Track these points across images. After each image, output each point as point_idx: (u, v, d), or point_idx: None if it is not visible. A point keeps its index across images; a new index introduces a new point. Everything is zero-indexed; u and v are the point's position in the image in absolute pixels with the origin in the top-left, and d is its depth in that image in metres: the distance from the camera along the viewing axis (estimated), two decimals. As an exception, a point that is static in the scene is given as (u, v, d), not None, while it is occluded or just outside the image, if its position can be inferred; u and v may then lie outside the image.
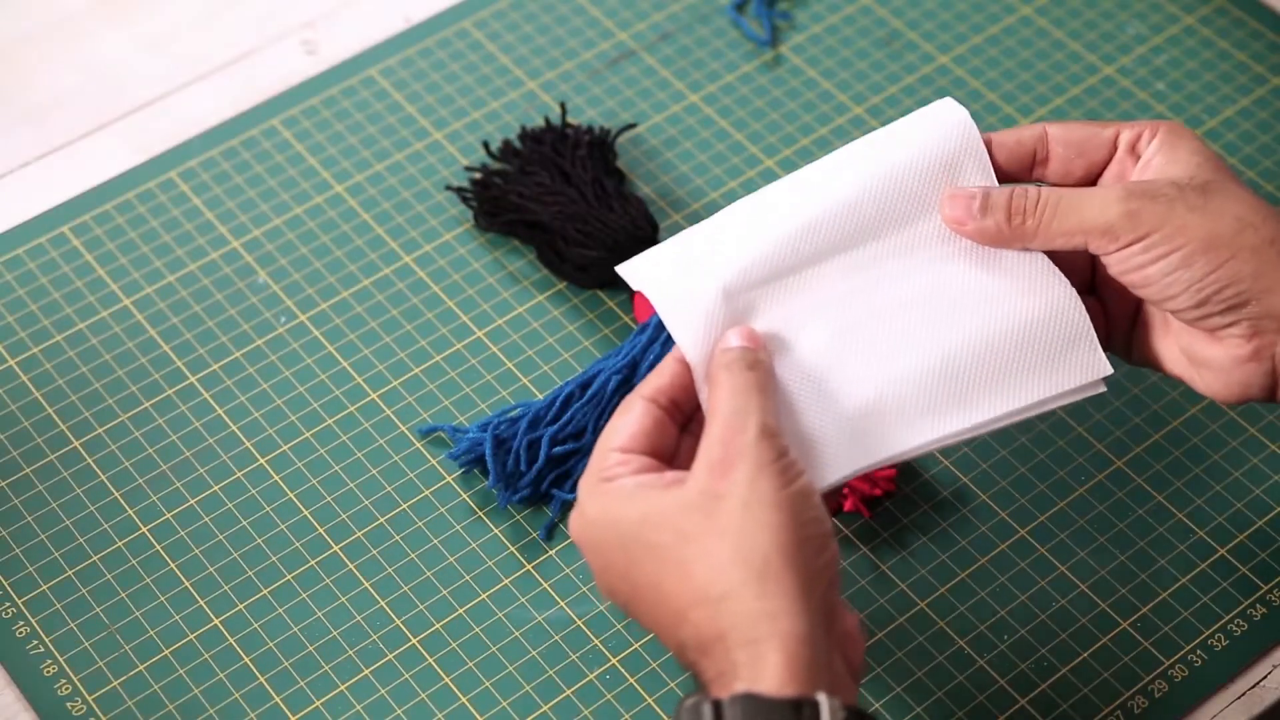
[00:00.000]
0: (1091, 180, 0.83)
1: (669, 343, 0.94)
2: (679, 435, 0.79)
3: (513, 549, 0.91)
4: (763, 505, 0.73)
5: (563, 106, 1.05)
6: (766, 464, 0.73)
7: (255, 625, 0.88)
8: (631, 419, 0.78)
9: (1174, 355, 0.83)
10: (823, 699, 0.71)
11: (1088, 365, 0.81)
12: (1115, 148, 0.83)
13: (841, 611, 0.75)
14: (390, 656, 0.87)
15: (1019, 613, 0.89)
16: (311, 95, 1.08)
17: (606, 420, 0.93)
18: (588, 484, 0.77)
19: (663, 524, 0.74)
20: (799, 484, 0.74)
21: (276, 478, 0.93)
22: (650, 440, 0.78)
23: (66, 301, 0.99)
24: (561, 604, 0.89)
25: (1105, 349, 0.83)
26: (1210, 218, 0.78)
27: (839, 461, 0.78)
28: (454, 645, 0.88)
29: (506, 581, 0.90)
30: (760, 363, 0.78)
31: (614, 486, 0.76)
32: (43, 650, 0.88)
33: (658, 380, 0.79)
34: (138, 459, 0.93)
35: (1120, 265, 0.79)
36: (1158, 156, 0.81)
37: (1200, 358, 0.81)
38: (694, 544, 0.73)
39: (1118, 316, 0.85)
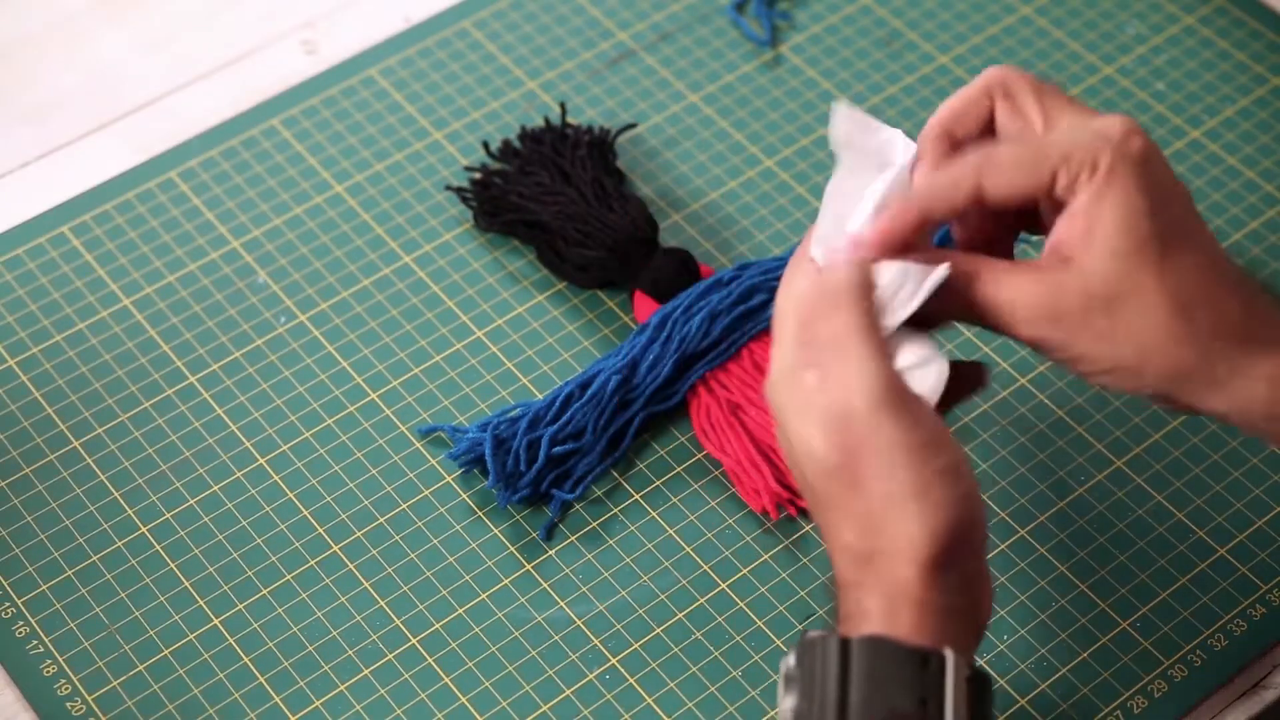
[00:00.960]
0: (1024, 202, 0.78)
1: (668, 343, 0.94)
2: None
3: (512, 549, 0.91)
4: (932, 508, 0.72)
5: (562, 106, 1.05)
6: (896, 421, 0.73)
7: (255, 625, 0.88)
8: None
9: None
10: (949, 654, 0.71)
11: None
12: (1055, 181, 0.76)
13: (979, 550, 0.75)
14: (390, 656, 0.87)
15: (1019, 613, 0.89)
16: (311, 95, 1.08)
17: (606, 420, 0.93)
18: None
19: (816, 478, 0.74)
20: (945, 458, 0.73)
21: (276, 478, 0.93)
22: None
23: (66, 301, 0.99)
24: (561, 604, 0.89)
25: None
26: (1115, 344, 0.75)
27: None
28: (454, 645, 0.88)
29: (506, 581, 0.90)
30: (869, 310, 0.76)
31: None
32: (42, 650, 0.88)
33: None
34: (137, 459, 0.93)
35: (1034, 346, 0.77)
36: (1085, 218, 0.75)
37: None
38: (846, 496, 0.73)
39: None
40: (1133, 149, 0.75)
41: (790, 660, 0.73)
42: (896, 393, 0.73)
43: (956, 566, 0.73)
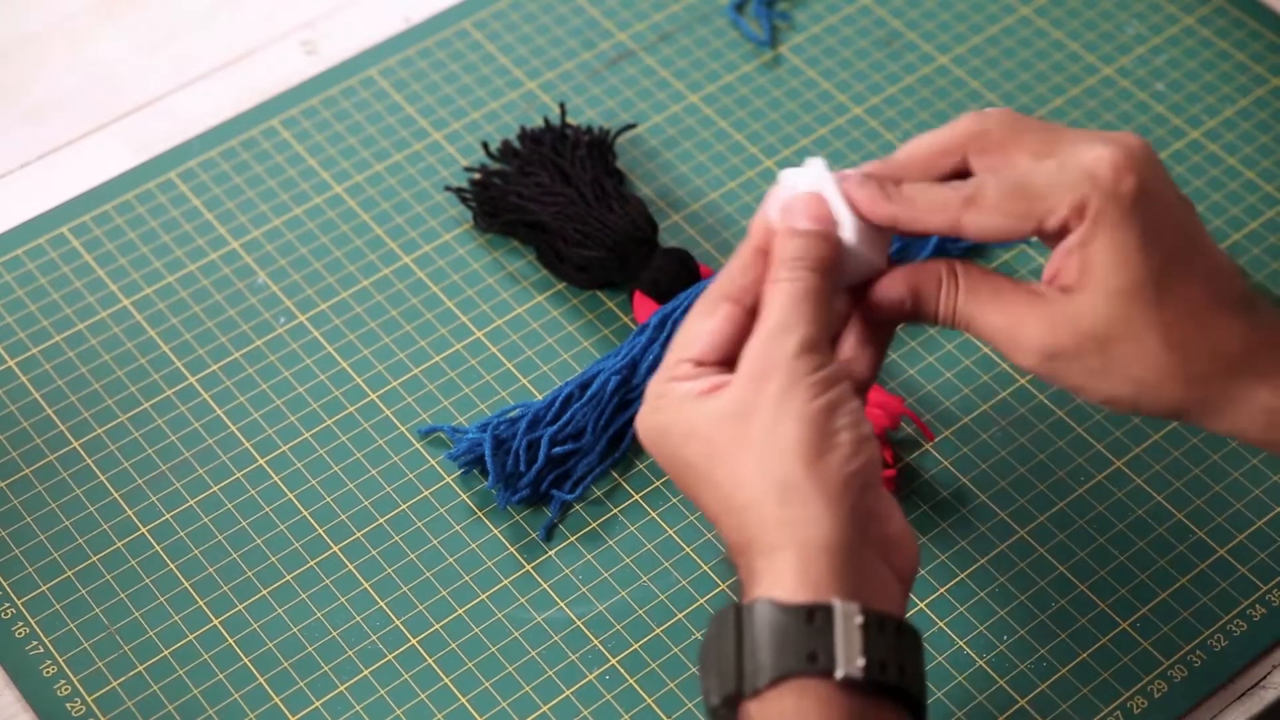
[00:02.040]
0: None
1: (668, 342, 0.94)
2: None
3: (512, 549, 0.91)
4: (790, 418, 0.73)
5: (562, 107, 1.05)
6: (800, 377, 0.73)
7: (255, 625, 0.88)
8: (712, 326, 0.77)
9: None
10: (837, 604, 0.71)
11: None
12: (1042, 228, 0.76)
13: (885, 516, 0.75)
14: (390, 657, 0.88)
15: (1018, 613, 0.89)
16: (311, 96, 1.08)
17: (606, 420, 0.93)
18: (652, 389, 0.77)
19: (700, 436, 0.75)
20: (831, 394, 0.74)
21: (276, 478, 0.93)
22: (730, 347, 0.77)
23: (66, 302, 0.99)
24: (561, 604, 0.89)
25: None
26: (1110, 381, 0.76)
27: None
28: (453, 646, 0.88)
29: (506, 582, 0.90)
30: (823, 260, 0.76)
31: (668, 401, 0.76)
32: (42, 650, 0.88)
33: (742, 278, 0.77)
34: (137, 459, 0.94)
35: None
36: (1079, 258, 0.75)
37: None
38: (725, 455, 0.74)
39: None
40: (1123, 191, 0.74)
41: (704, 635, 0.74)
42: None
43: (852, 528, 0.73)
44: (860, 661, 0.70)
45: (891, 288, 0.78)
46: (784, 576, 0.72)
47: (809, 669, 0.70)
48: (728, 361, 0.77)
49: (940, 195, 0.76)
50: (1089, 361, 0.75)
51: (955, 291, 0.77)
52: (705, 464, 0.75)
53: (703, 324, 0.77)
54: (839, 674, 0.70)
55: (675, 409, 0.76)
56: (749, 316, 0.77)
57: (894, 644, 0.72)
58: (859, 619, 0.71)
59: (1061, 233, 0.75)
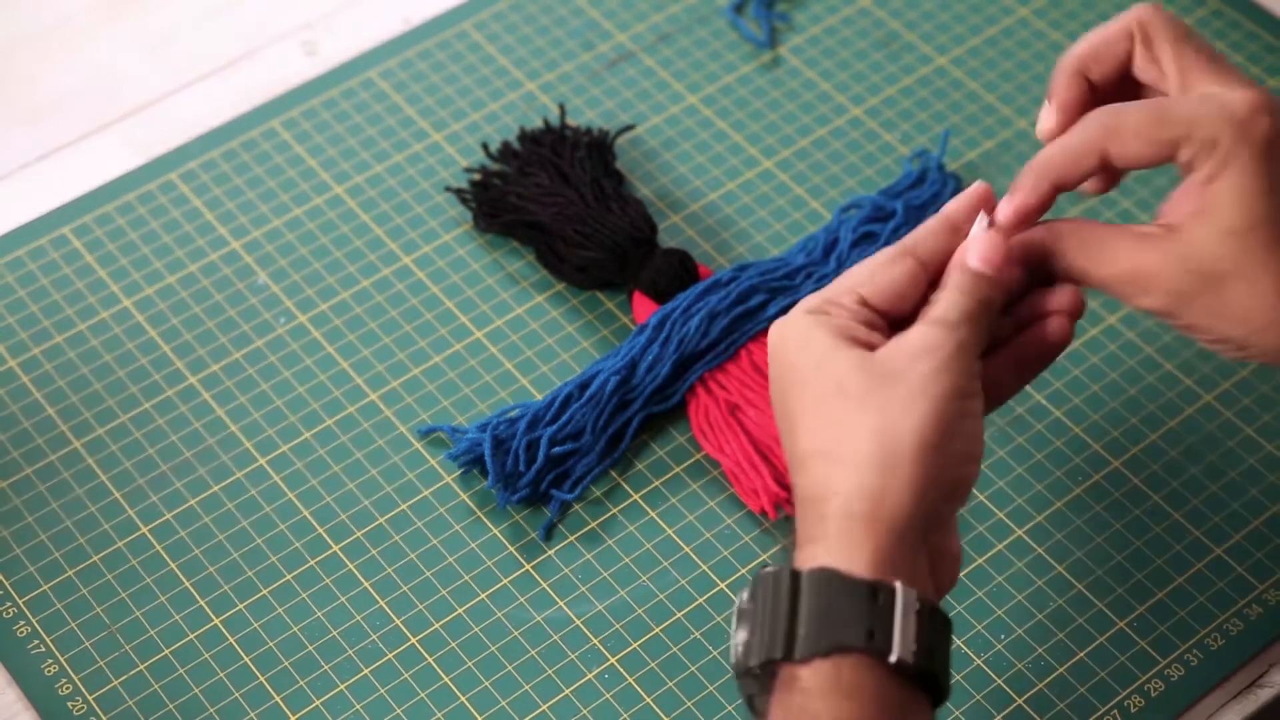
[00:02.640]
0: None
1: (667, 343, 0.95)
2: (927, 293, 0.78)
3: (512, 549, 0.91)
4: (927, 399, 0.73)
5: (561, 108, 1.05)
6: (952, 369, 0.73)
7: (255, 625, 0.89)
8: (892, 274, 0.77)
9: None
10: (899, 587, 0.71)
11: None
12: (1175, 156, 0.77)
13: (948, 532, 0.75)
14: (390, 656, 0.88)
15: (1016, 612, 0.89)
16: (311, 97, 1.08)
17: (605, 420, 0.94)
18: (808, 302, 0.77)
19: (832, 375, 0.74)
20: (969, 401, 0.74)
21: (276, 478, 0.93)
22: (898, 301, 0.77)
23: (67, 302, 0.99)
24: (560, 604, 0.89)
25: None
26: (1225, 321, 0.76)
27: None
28: (453, 645, 0.88)
29: (506, 581, 0.90)
30: (991, 302, 0.77)
31: (823, 320, 0.76)
32: (44, 650, 0.88)
33: (932, 240, 0.78)
34: (138, 459, 0.94)
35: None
36: (1201, 196, 0.76)
37: None
38: (847, 402, 0.73)
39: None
40: (1257, 131, 0.75)
41: (744, 595, 0.73)
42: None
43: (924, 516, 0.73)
44: (914, 647, 0.71)
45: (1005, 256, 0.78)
46: (855, 548, 0.71)
47: (866, 645, 0.70)
48: (889, 313, 0.77)
49: (1077, 139, 0.77)
50: (1203, 299, 0.76)
51: (1065, 251, 0.78)
52: (823, 402, 0.74)
53: (885, 270, 0.77)
54: (895, 656, 0.71)
55: (824, 335, 0.75)
56: (926, 281, 0.78)
57: (939, 634, 0.72)
58: (916, 605, 0.71)
59: (1190, 167, 0.76)
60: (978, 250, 0.77)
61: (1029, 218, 0.78)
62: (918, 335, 0.75)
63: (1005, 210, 0.78)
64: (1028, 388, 0.96)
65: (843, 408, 0.73)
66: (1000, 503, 0.92)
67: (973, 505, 0.92)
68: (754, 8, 1.12)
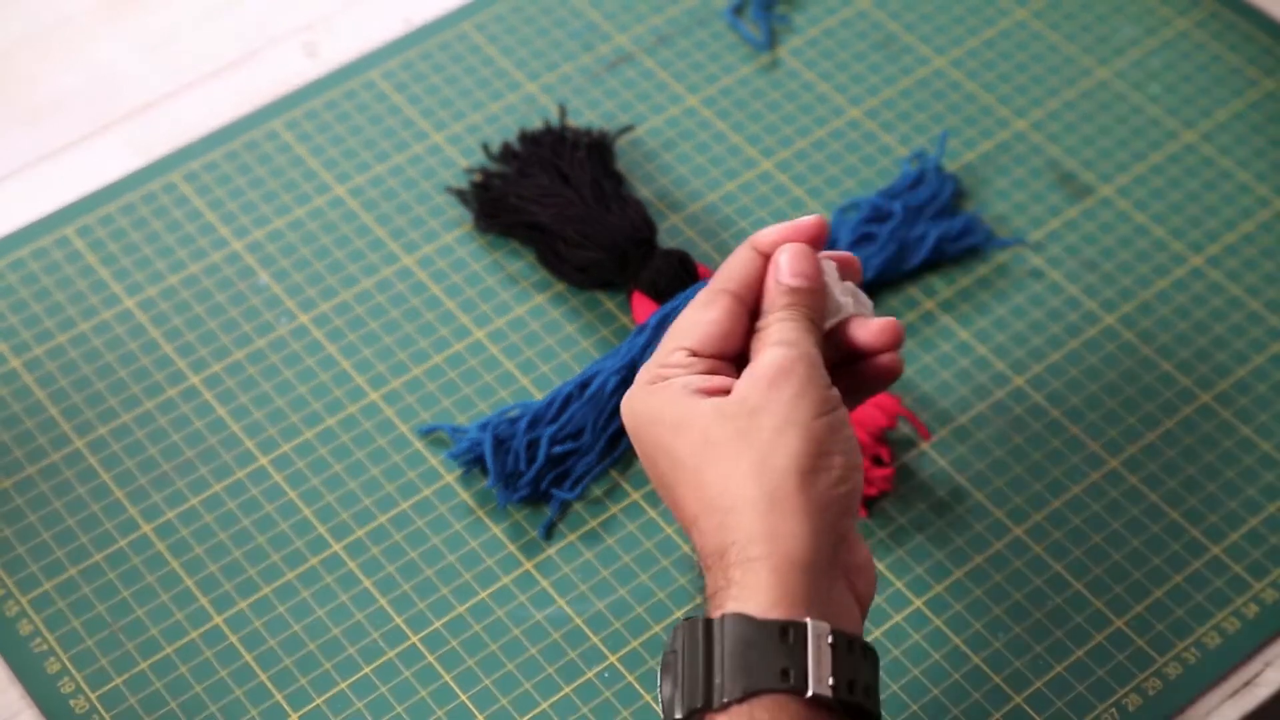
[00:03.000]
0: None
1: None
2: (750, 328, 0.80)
3: (512, 548, 0.91)
4: (794, 427, 0.74)
5: (562, 109, 1.05)
6: (811, 389, 0.74)
7: (256, 624, 0.89)
8: (711, 317, 0.78)
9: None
10: (810, 623, 0.71)
11: None
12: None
13: (854, 543, 0.76)
14: (390, 655, 0.88)
15: (1015, 611, 0.89)
16: (313, 98, 1.08)
17: (605, 420, 0.94)
18: (645, 374, 0.78)
19: (693, 430, 0.75)
20: (835, 414, 0.75)
21: (278, 477, 0.93)
22: (726, 341, 0.78)
23: (70, 303, 1.00)
24: (560, 602, 0.89)
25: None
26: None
27: None
28: (454, 643, 0.88)
29: (506, 580, 0.90)
30: (818, 313, 0.78)
31: (664, 386, 0.77)
32: (46, 648, 0.88)
33: (742, 272, 0.79)
34: (140, 458, 0.94)
35: None
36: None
37: None
38: (717, 452, 0.74)
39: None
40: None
41: (667, 645, 0.74)
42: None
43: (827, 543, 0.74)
44: (830, 680, 0.71)
45: None
46: (759, 590, 0.72)
47: (781, 685, 0.71)
48: (722, 357, 0.78)
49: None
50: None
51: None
52: (694, 460, 0.75)
53: (702, 314, 0.78)
54: (810, 692, 0.71)
55: (671, 399, 0.76)
56: (747, 313, 0.78)
57: (859, 664, 0.72)
58: (829, 638, 0.72)
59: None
60: (788, 266, 0.78)
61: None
62: (766, 363, 0.75)
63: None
64: (1027, 388, 0.96)
65: (715, 458, 0.74)
66: (998, 502, 0.93)
67: (970, 504, 0.92)
68: (753, 10, 1.12)
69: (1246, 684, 0.88)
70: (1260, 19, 1.12)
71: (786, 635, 0.71)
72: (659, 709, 0.86)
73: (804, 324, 0.77)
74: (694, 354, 0.77)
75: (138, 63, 1.11)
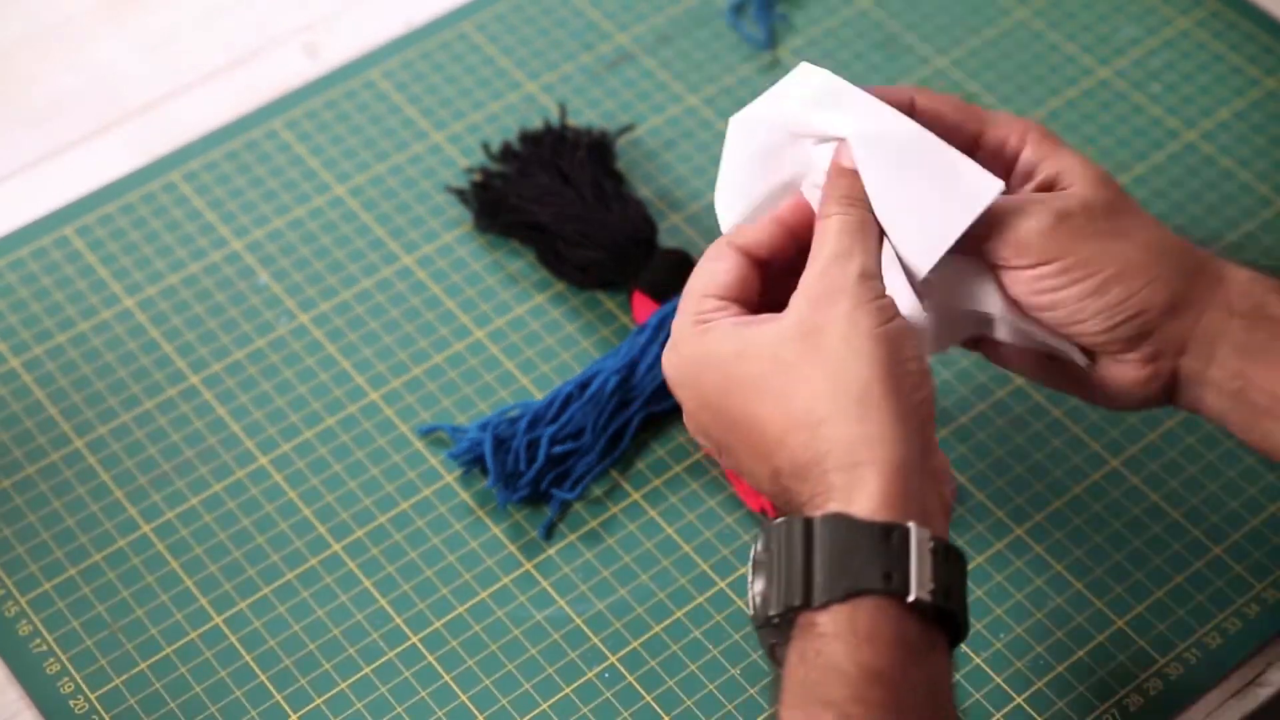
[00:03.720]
0: None
1: (667, 341, 0.95)
2: (761, 292, 0.80)
3: (512, 548, 0.91)
4: (862, 337, 0.74)
5: (562, 109, 1.05)
6: (865, 301, 0.75)
7: (256, 624, 0.89)
8: (726, 267, 0.79)
9: (1063, 371, 0.82)
10: (913, 527, 0.72)
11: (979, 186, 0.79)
12: (977, 147, 0.81)
13: (935, 448, 0.76)
14: (390, 655, 0.88)
15: (1015, 611, 0.89)
16: (313, 97, 1.08)
17: (605, 420, 0.94)
18: (683, 325, 0.78)
19: (761, 354, 0.75)
20: (897, 322, 0.75)
21: (278, 477, 0.93)
22: (742, 290, 0.78)
23: (70, 302, 1.00)
24: (560, 603, 0.89)
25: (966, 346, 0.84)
26: (1125, 244, 0.77)
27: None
28: (454, 644, 0.88)
29: (506, 580, 0.90)
30: (864, 201, 0.78)
31: (711, 327, 0.77)
32: (45, 648, 0.88)
33: (754, 234, 0.80)
34: (140, 458, 0.94)
35: (1028, 285, 0.78)
36: (1046, 170, 0.80)
37: (1099, 374, 0.81)
38: (792, 370, 0.74)
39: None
40: (1045, 132, 0.81)
41: (758, 546, 0.74)
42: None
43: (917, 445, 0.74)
44: (931, 585, 0.71)
45: None
46: (862, 493, 0.72)
47: (883, 587, 0.71)
48: (744, 302, 0.78)
49: (894, 89, 0.81)
50: (1099, 224, 0.77)
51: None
52: (769, 381, 0.74)
53: (717, 265, 0.79)
54: (913, 596, 0.71)
55: (725, 334, 0.76)
56: (756, 266, 0.79)
57: (954, 570, 0.73)
58: (931, 544, 0.72)
59: (997, 153, 0.80)
60: (843, 156, 0.79)
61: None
62: (818, 277, 0.76)
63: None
64: (1026, 388, 0.96)
65: (790, 377, 0.74)
66: (999, 502, 0.93)
67: (971, 505, 0.92)
68: (754, 9, 1.12)
69: (1248, 684, 0.88)
70: (1261, 18, 1.12)
71: (890, 538, 0.71)
72: (659, 710, 0.86)
73: (861, 218, 0.77)
74: (723, 299, 0.78)
75: (138, 63, 1.11)
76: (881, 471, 0.72)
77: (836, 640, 0.70)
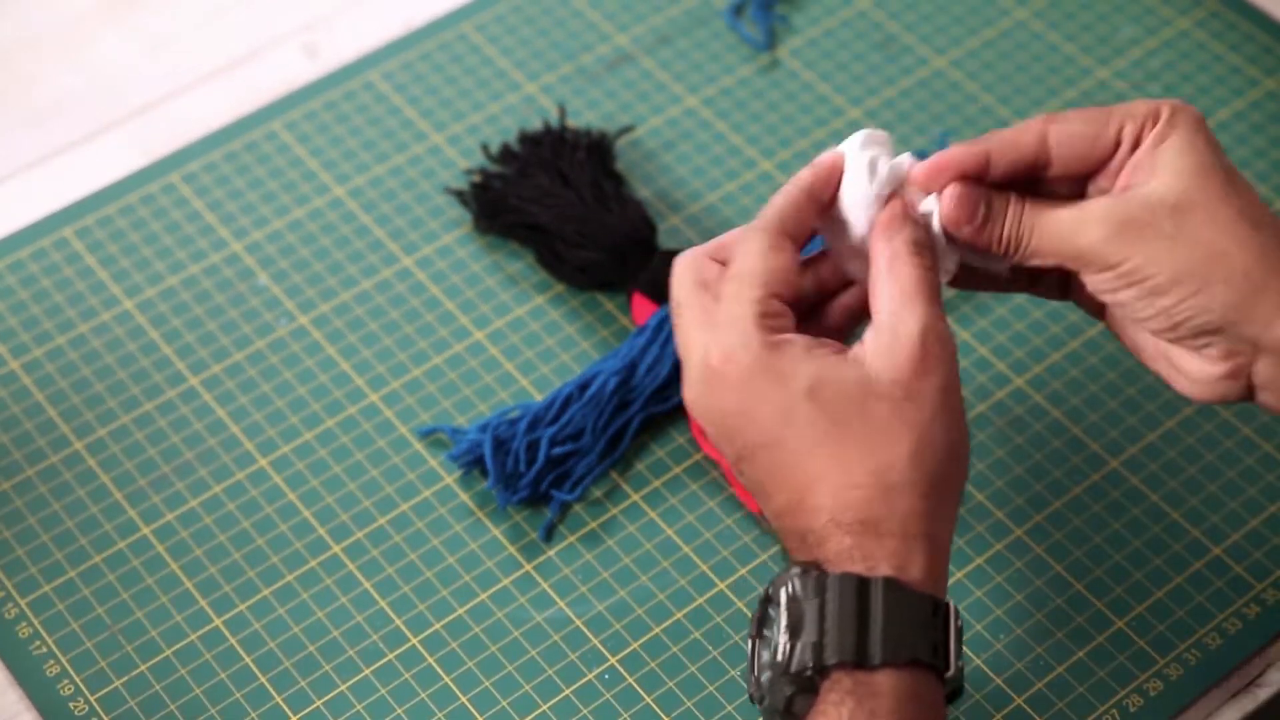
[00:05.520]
0: (1095, 180, 0.80)
1: (667, 344, 0.95)
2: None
3: (512, 549, 0.91)
4: (949, 418, 0.75)
5: (561, 110, 1.05)
6: (954, 376, 0.76)
7: (256, 625, 0.89)
8: (785, 263, 0.78)
9: (1153, 352, 0.81)
10: (951, 605, 0.75)
11: None
12: (1118, 145, 0.79)
13: None
14: (390, 656, 0.88)
15: (1015, 612, 0.89)
16: (312, 98, 1.08)
17: (605, 421, 0.94)
18: (744, 322, 0.76)
19: (847, 399, 0.75)
20: (959, 399, 0.76)
21: (278, 479, 0.93)
22: (795, 291, 0.78)
23: (69, 304, 1.00)
24: (561, 604, 0.90)
25: (1032, 290, 0.84)
26: (1182, 247, 0.76)
27: None
28: (454, 645, 0.88)
29: (506, 582, 0.90)
30: (931, 251, 0.78)
31: (784, 343, 0.76)
32: (46, 650, 0.88)
33: (798, 216, 0.79)
34: (140, 460, 0.94)
35: (1094, 285, 0.78)
36: (1150, 157, 0.78)
37: (1177, 364, 0.80)
38: (883, 430, 0.74)
39: (1092, 305, 0.83)
40: (1190, 109, 0.78)
41: (794, 588, 0.74)
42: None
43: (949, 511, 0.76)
44: (960, 663, 0.74)
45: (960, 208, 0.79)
46: (915, 565, 0.74)
47: (931, 659, 0.73)
48: (794, 305, 0.78)
49: (1017, 127, 0.79)
50: (1162, 226, 0.76)
51: (1021, 208, 0.78)
52: (851, 427, 0.75)
53: (775, 260, 0.77)
54: (951, 671, 0.74)
55: (797, 358, 0.75)
56: (799, 255, 0.79)
57: (960, 645, 0.75)
58: (958, 620, 0.75)
59: (1136, 141, 0.78)
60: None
61: (951, 168, 0.78)
62: (910, 341, 0.75)
63: (917, 168, 0.79)
64: (1027, 388, 0.96)
65: (877, 435, 0.75)
66: (999, 503, 0.93)
67: (972, 505, 0.92)
68: (753, 10, 1.12)
69: (1248, 685, 0.88)
70: (1260, 19, 1.12)
71: (937, 613, 0.74)
72: (659, 712, 0.86)
73: (932, 278, 0.77)
74: (785, 302, 0.77)
75: (137, 63, 1.11)
76: (935, 548, 0.75)
77: (892, 699, 0.72)
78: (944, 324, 0.76)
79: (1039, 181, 0.80)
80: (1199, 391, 0.80)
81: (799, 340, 0.76)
